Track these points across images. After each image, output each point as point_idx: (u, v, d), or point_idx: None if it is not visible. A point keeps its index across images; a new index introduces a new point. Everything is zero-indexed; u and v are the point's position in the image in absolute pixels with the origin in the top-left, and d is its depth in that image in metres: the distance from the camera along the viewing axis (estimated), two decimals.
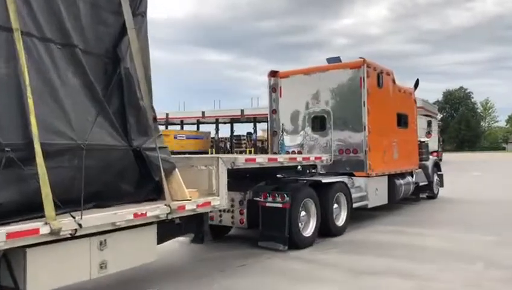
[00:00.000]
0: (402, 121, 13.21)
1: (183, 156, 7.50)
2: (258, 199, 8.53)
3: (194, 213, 6.25)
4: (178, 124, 69.29)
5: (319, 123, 11.89)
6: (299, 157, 9.10)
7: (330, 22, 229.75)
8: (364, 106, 11.12)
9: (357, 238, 9.66)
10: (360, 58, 11.25)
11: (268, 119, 12.58)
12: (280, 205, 8.30)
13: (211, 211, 6.82)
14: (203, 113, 59.28)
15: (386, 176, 12.25)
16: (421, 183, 14.88)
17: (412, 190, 13.91)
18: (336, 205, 9.89)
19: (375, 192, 11.53)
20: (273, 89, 12.51)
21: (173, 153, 7.12)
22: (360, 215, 11.75)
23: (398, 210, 13.56)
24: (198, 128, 69.16)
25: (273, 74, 12.54)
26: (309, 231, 8.87)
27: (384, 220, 12.02)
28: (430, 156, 16.39)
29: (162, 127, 67.02)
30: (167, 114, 69.13)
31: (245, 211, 8.63)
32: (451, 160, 49.62)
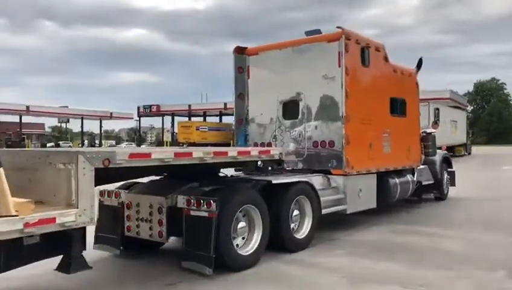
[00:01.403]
0: (398, 107, 10.94)
1: (38, 149, 5.52)
2: (181, 205, 6.52)
3: (41, 232, 4.35)
4: (201, 116, 69.12)
5: (291, 110, 9.76)
6: (233, 152, 6.97)
7: (358, 12, 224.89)
8: (341, 87, 8.94)
9: (367, 239, 8.76)
10: (338, 27, 9.06)
11: (234, 105, 10.48)
12: (206, 214, 6.26)
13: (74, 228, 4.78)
14: (225, 104, 58.14)
15: (375, 174, 10.04)
16: (425, 182, 12.57)
17: (412, 190, 11.64)
18: (296, 212, 7.81)
19: (357, 194, 9.36)
20: (240, 69, 10.41)
21: (195, 144, 5.17)
22: (368, 213, 10.34)
23: (412, 209, 12.39)
24: (220, 120, 68.39)
25: (240, 50, 10.44)
26: (251, 247, 6.82)
27: (397, 219, 10.99)
28: (439, 151, 14.00)
29: (185, 119, 66.39)
30: (189, 106, 68.39)
31: (164, 221, 6.63)
32: (481, 153, 48.32)
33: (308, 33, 9.98)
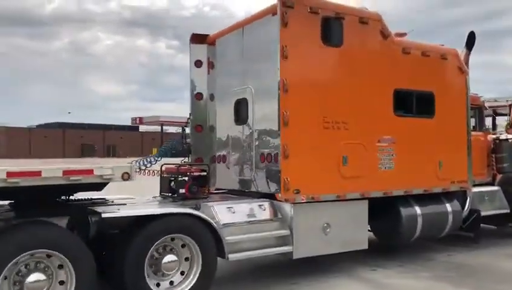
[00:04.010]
0: (413, 104, 7.58)
1: None
2: None
3: None
4: None
5: (242, 111, 7.27)
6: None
7: None
8: (277, 76, 6.24)
9: (466, 262, 7.74)
10: None
11: (190, 108, 8.28)
12: None
13: None
14: None
15: (365, 201, 6.97)
16: (491, 212, 8.71)
17: (456, 223, 8.05)
18: (170, 258, 5.45)
19: (318, 230, 6.49)
20: (198, 62, 8.18)
21: None
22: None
23: None
24: None
25: (198, 39, 8.22)
26: None
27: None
28: None
29: None
30: None
31: None
32: None
33: None
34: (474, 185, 8.75)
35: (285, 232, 6.28)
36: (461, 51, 8.43)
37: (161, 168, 7.00)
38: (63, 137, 79.39)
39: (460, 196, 8.35)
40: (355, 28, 6.85)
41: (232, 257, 5.79)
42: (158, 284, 5.48)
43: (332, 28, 6.62)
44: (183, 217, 5.57)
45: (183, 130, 7.78)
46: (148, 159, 7.18)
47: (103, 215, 5.06)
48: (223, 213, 6.02)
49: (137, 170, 7.25)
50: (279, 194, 6.27)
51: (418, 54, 7.61)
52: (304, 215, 6.38)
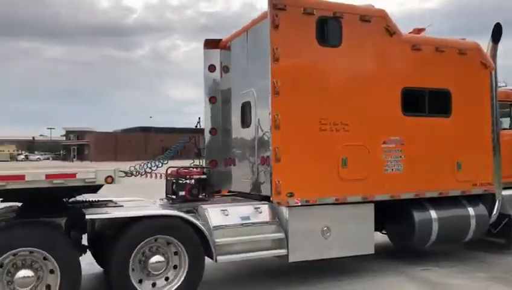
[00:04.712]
0: (425, 103, 7.23)
1: None
2: None
3: None
4: None
5: (247, 114, 7.34)
6: None
7: None
8: (267, 78, 6.26)
9: None
10: None
11: (204, 111, 8.43)
12: None
13: None
14: None
15: (371, 205, 6.78)
16: None
17: (479, 228, 7.57)
18: (157, 258, 5.65)
19: (317, 234, 6.42)
20: (211, 67, 8.32)
21: None
22: None
23: None
24: None
25: (212, 44, 8.36)
26: None
27: None
28: None
29: None
30: None
31: None
32: None
33: None
34: (509, 188, 8.20)
35: (280, 235, 6.26)
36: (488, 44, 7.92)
37: (166, 171, 7.22)
38: (145, 140, 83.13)
39: (489, 199, 7.84)
40: (355, 27, 6.67)
41: (220, 259, 5.87)
42: (154, 284, 5.70)
43: (329, 28, 6.51)
44: (168, 219, 5.73)
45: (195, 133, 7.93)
46: (155, 162, 7.40)
47: (87, 217, 5.35)
48: (216, 216, 6.11)
49: (143, 172, 7.46)
50: (272, 197, 6.26)
51: (431, 50, 7.25)
52: (300, 219, 6.32)
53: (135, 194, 7.49)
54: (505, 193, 8.02)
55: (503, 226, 7.93)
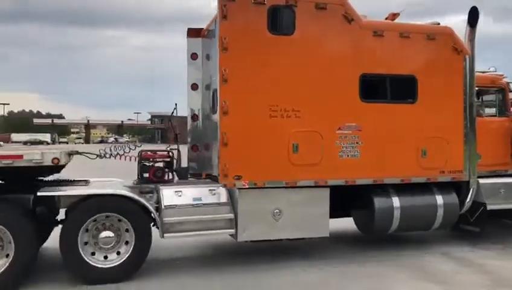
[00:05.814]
0: (386, 89, 7.21)
1: None
2: None
3: None
4: None
5: (214, 101, 7.67)
6: None
7: None
8: (216, 68, 6.55)
9: None
10: None
11: (187, 98, 8.81)
12: None
13: None
14: None
15: (327, 189, 6.93)
16: (496, 207, 7.86)
17: (447, 216, 7.50)
18: (106, 234, 6.17)
19: (268, 215, 6.68)
20: (193, 55, 8.67)
21: None
22: None
23: None
24: None
25: (193, 33, 8.71)
26: None
27: None
28: None
29: None
30: None
31: None
32: None
33: None
34: (493, 177, 8.03)
35: (230, 215, 6.58)
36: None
37: (139, 153, 7.71)
38: None
39: (464, 187, 7.73)
40: (310, 15, 6.78)
41: (167, 235, 6.30)
42: (106, 257, 6.23)
43: (280, 16, 6.66)
44: (115, 198, 6.20)
45: (171, 118, 8.34)
46: (128, 146, 7.89)
47: (38, 193, 5.94)
48: (169, 196, 6.52)
49: (118, 155, 7.96)
50: (219, 179, 6.58)
51: (395, 35, 7.20)
52: (250, 200, 6.61)
53: (121, 176, 8.04)
54: (486, 181, 7.86)
55: (478, 214, 7.78)
